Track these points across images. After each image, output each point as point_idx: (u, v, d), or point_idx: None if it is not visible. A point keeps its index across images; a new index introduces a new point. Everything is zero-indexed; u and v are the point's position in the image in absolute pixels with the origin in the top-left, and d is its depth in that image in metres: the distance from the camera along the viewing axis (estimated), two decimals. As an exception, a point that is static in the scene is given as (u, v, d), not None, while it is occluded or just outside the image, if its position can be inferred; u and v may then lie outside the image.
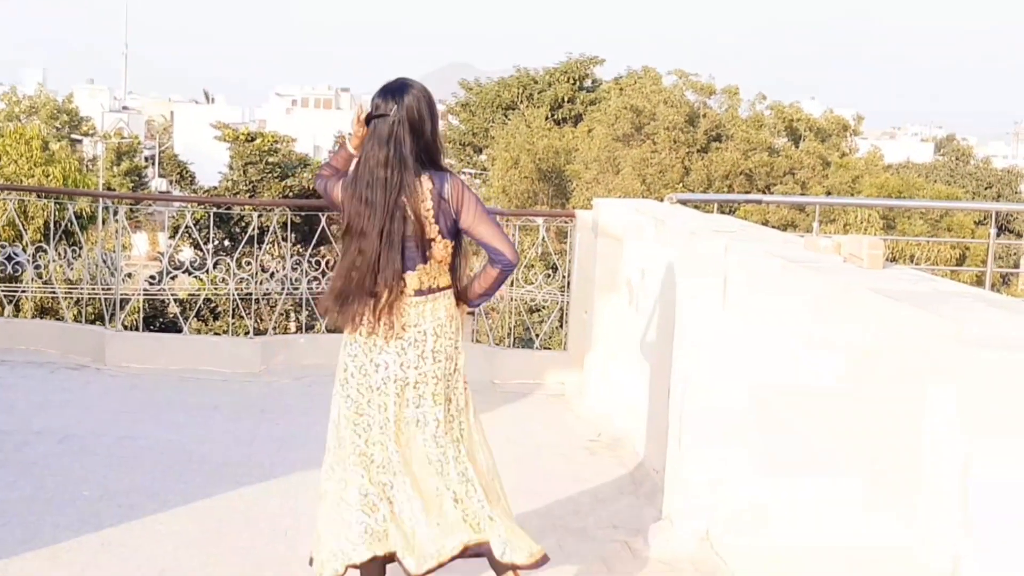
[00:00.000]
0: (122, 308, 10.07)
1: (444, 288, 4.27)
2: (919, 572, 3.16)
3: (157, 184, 55.55)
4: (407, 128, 4.15)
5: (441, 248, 4.21)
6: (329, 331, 10.28)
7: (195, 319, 20.48)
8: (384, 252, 4.14)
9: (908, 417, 3.36)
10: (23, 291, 10.59)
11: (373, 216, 4.13)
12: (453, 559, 4.29)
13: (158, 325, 22.84)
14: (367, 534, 4.23)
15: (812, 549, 4.21)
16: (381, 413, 4.27)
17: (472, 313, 4.65)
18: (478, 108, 44.74)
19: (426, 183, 4.15)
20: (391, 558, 4.31)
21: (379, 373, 4.27)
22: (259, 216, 10.84)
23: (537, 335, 10.91)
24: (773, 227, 14.36)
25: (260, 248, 10.39)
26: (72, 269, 10.55)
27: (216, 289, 12.21)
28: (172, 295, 13.94)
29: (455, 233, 4.22)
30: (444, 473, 4.28)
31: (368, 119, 4.25)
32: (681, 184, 30.95)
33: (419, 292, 4.23)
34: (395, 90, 4.22)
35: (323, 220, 9.84)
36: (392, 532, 4.25)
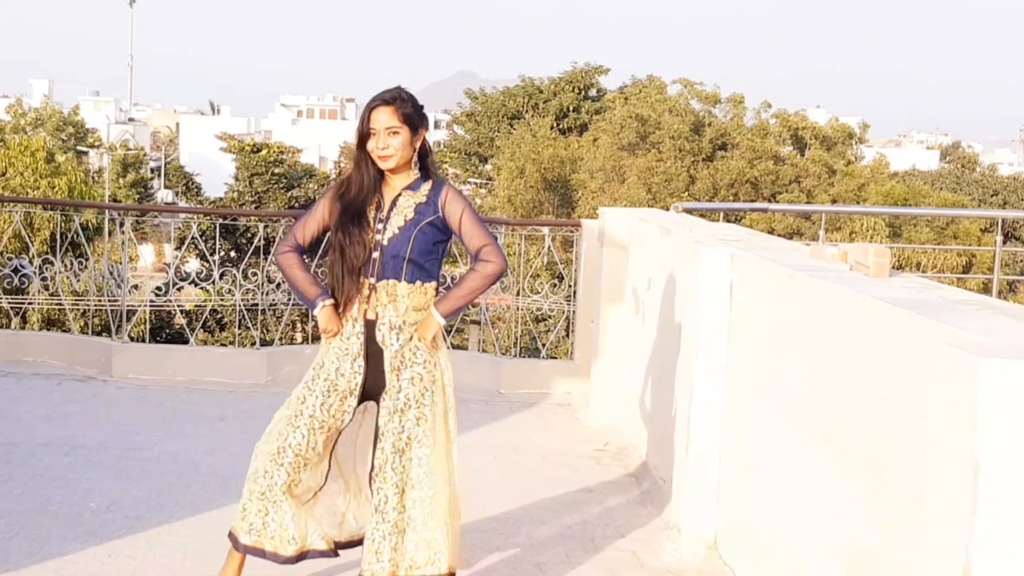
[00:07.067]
0: (128, 319, 10.08)
1: None
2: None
3: (163, 195, 55.62)
4: None
5: None
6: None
7: (201, 330, 20.48)
8: None
9: (915, 426, 3.35)
10: (30, 303, 10.62)
11: None
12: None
13: (164, 336, 22.90)
14: None
15: (820, 558, 4.20)
16: None
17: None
18: (483, 118, 44.79)
19: None
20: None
21: None
22: (265, 227, 10.86)
23: (543, 344, 10.91)
24: (779, 235, 14.36)
25: (266, 259, 10.40)
26: (78, 281, 10.58)
27: (222, 300, 12.22)
28: (178, 306, 13.95)
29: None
30: None
31: None
32: (687, 193, 30.95)
33: None
34: None
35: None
36: None
